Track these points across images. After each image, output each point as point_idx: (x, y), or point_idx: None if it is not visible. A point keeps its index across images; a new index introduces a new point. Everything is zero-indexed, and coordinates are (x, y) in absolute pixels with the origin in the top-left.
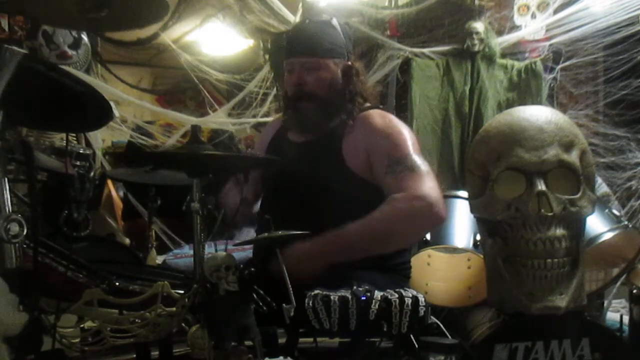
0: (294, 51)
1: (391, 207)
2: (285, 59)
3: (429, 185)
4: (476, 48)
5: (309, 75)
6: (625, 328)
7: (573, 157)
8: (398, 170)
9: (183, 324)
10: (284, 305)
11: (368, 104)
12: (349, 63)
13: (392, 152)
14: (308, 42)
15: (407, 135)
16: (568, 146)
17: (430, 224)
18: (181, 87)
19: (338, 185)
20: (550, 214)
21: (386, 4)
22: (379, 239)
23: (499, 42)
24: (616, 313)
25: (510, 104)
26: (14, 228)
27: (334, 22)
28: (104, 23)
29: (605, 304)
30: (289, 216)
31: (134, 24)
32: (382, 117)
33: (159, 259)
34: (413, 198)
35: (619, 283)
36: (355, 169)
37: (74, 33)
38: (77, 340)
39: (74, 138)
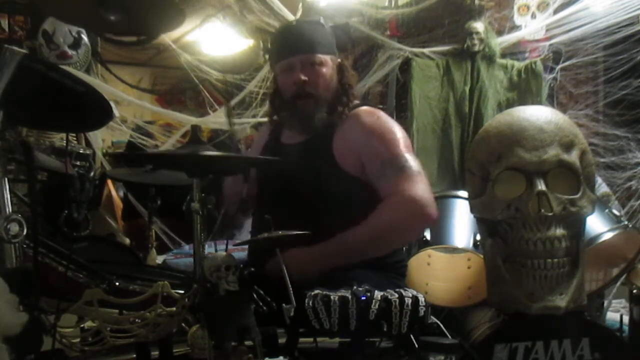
0: (291, 50)
1: (386, 212)
2: (279, 60)
3: (420, 187)
4: (476, 48)
5: (311, 72)
6: (625, 328)
7: (573, 157)
8: (390, 173)
9: (183, 324)
10: (284, 305)
11: (357, 102)
12: (340, 60)
13: (384, 155)
14: (305, 40)
15: (397, 133)
16: (568, 146)
17: (423, 226)
18: (181, 87)
19: (329, 183)
20: (550, 214)
21: (386, 4)
22: (376, 244)
23: (499, 42)
24: (616, 313)
25: (510, 104)
26: (14, 228)
27: (322, 20)
28: (119, 27)
29: (605, 304)
30: (283, 216)
31: (151, 31)
32: (371, 116)
33: (159, 259)
34: (407, 201)
35: (619, 283)
36: (346, 167)
37: (74, 33)
38: (77, 340)
39: (74, 138)
